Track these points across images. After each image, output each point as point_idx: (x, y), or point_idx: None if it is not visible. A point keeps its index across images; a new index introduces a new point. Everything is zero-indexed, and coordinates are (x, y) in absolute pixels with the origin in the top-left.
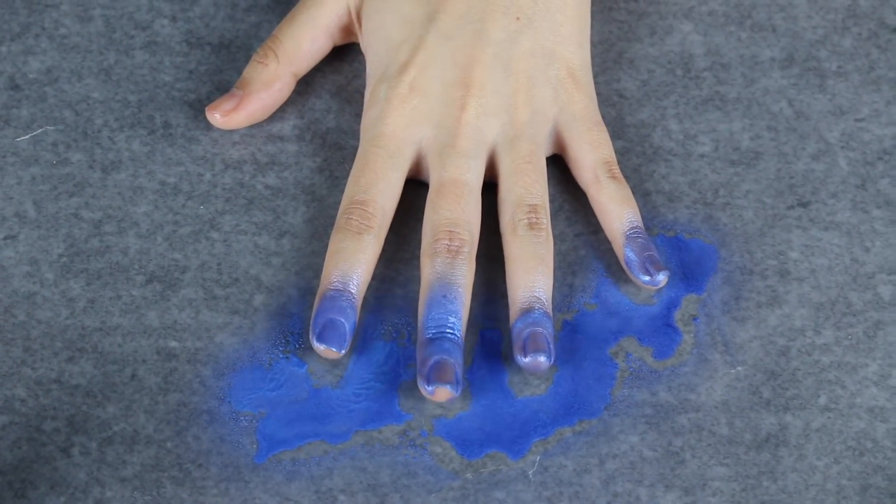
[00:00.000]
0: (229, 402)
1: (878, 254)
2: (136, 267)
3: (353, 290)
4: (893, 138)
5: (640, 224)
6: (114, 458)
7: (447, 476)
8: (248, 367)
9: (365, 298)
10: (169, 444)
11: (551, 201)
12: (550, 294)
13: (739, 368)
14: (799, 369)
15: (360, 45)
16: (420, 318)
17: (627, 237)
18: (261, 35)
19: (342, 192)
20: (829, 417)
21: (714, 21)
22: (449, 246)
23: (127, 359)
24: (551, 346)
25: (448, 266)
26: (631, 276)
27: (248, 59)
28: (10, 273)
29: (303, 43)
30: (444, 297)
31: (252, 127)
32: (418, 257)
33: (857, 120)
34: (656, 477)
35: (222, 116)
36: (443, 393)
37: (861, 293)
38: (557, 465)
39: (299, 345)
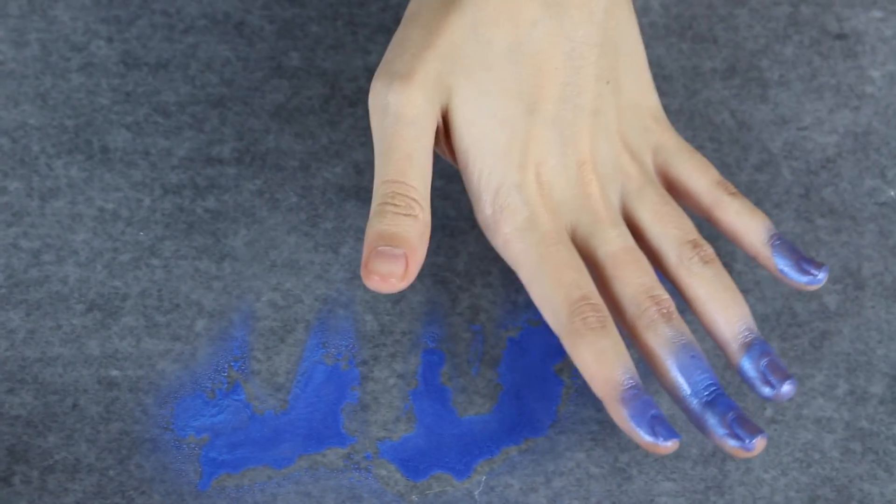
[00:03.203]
0: (172, 429)
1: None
2: (76, 296)
3: (640, 381)
4: (837, 146)
5: (776, 230)
6: (55, 486)
7: (392, 499)
8: (190, 394)
9: (307, 320)
10: (111, 473)
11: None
12: (754, 321)
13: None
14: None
15: (448, 154)
16: (677, 389)
17: (773, 246)
18: (198, 55)
19: (283, 213)
20: (775, 430)
21: (655, 33)
22: (660, 311)
23: (68, 389)
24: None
25: (672, 329)
26: (790, 282)
27: (186, 79)
28: None
29: (427, 175)
30: (693, 357)
31: (191, 150)
32: (360, 277)
33: (799, 129)
34: (603, 494)
35: (397, 281)
36: (762, 443)
37: (806, 303)
38: (503, 484)
39: (242, 369)
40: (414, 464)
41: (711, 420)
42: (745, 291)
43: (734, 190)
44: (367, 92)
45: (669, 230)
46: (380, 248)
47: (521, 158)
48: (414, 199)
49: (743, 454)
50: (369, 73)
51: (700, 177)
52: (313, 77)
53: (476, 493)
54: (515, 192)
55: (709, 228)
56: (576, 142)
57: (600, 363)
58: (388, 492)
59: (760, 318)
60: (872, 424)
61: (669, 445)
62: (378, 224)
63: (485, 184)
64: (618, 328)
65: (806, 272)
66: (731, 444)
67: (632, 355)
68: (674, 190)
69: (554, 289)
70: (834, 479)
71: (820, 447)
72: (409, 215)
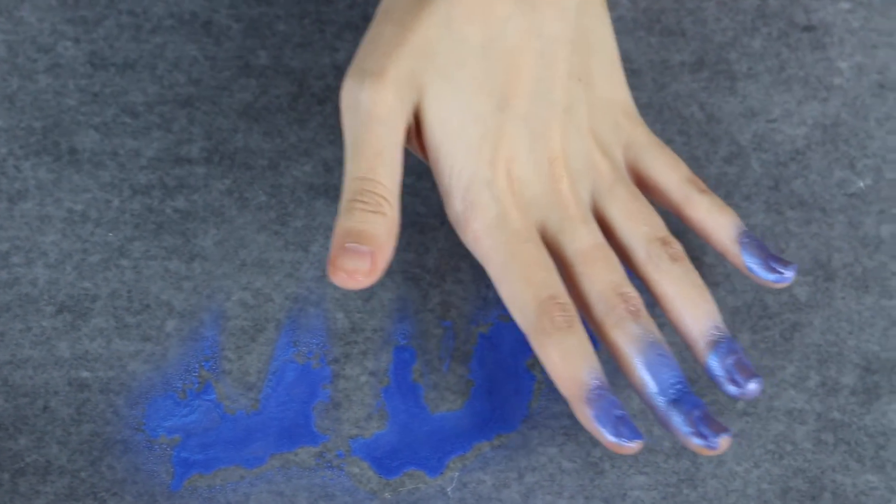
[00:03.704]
0: (143, 430)
1: (792, 255)
2: (46, 298)
3: (605, 382)
4: (805, 138)
5: (745, 227)
6: (27, 488)
7: (365, 496)
8: (161, 395)
9: (277, 319)
10: (83, 474)
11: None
12: (721, 318)
13: None
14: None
15: (419, 150)
16: (644, 386)
17: (742, 244)
18: (166, 55)
19: (252, 212)
20: (747, 422)
21: (623, 27)
22: (628, 308)
23: (38, 391)
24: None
25: (640, 327)
26: (757, 279)
27: (153, 79)
28: None
29: (397, 172)
30: (660, 355)
31: (160, 150)
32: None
33: (768, 121)
34: (576, 489)
35: (364, 277)
36: (727, 442)
37: (777, 295)
38: (476, 480)
39: (213, 369)
40: (386, 461)
41: (677, 418)
42: (714, 284)
43: (704, 187)
44: (335, 90)
45: (639, 227)
46: (347, 245)
47: (491, 154)
48: (383, 197)
49: (707, 452)
50: (337, 70)
51: (670, 173)
52: (281, 75)
53: (449, 489)
54: (486, 188)
55: (678, 223)
56: (547, 138)
57: (566, 363)
58: (361, 489)
59: (731, 311)
60: (844, 415)
61: (633, 446)
62: (346, 221)
63: (455, 180)
64: (585, 325)
65: (774, 270)
66: (695, 442)
67: (599, 352)
68: (644, 186)
69: (522, 287)
70: (806, 470)
71: (792, 439)
72: (378, 212)
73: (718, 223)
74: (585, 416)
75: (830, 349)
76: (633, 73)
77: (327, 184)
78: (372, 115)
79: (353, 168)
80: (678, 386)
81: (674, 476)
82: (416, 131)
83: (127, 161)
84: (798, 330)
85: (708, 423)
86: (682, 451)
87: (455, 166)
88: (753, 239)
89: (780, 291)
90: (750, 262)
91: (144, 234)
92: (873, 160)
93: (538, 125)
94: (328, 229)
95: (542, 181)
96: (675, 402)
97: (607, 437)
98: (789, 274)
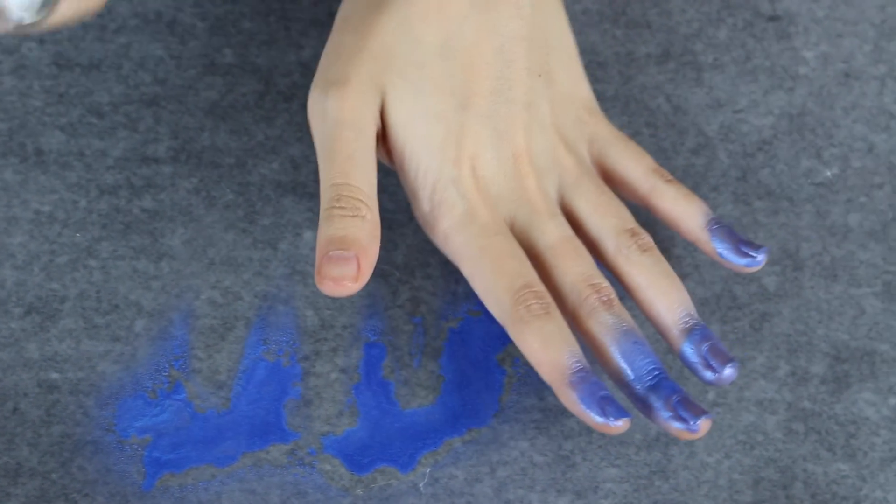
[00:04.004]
0: (114, 430)
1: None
2: (14, 299)
3: (587, 364)
4: (772, 128)
5: (713, 214)
6: None
7: (337, 493)
8: (131, 395)
9: (247, 317)
10: (54, 476)
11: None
12: (693, 306)
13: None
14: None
15: (384, 155)
16: (621, 375)
17: (711, 230)
18: (131, 55)
19: (220, 211)
20: (718, 412)
21: (588, 20)
22: (600, 299)
23: (8, 393)
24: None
25: (614, 316)
26: (729, 265)
27: (119, 79)
28: None
29: (372, 175)
30: (635, 343)
31: (126, 150)
32: (299, 272)
33: (735, 112)
34: (548, 482)
35: (351, 283)
36: (707, 424)
37: (746, 286)
38: (448, 475)
39: (183, 368)
40: (358, 458)
41: (656, 403)
42: (684, 276)
43: (670, 177)
44: (301, 87)
45: (607, 220)
46: (331, 253)
47: (456, 153)
48: (360, 200)
49: (688, 436)
50: (303, 67)
51: (636, 165)
52: (247, 73)
53: (421, 485)
54: (452, 186)
55: (647, 215)
56: (510, 135)
57: (546, 348)
58: (333, 486)
59: (700, 302)
60: (814, 404)
61: (621, 424)
62: (327, 229)
63: (421, 180)
64: None
65: (745, 254)
66: (675, 426)
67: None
68: (610, 180)
69: (496, 279)
70: (777, 460)
71: (763, 429)
72: (357, 216)
73: (686, 211)
74: (570, 399)
75: (800, 339)
76: (599, 66)
77: (295, 181)
78: (339, 122)
79: (328, 175)
80: (655, 372)
81: (645, 468)
82: (381, 135)
83: (93, 161)
84: (767, 320)
85: (687, 406)
86: (653, 443)
87: (420, 167)
88: (722, 225)
89: (749, 282)
90: (720, 248)
91: (112, 234)
92: (840, 149)
93: (501, 122)
94: (297, 227)
95: (508, 178)
96: (653, 387)
97: (594, 418)
98: (761, 257)
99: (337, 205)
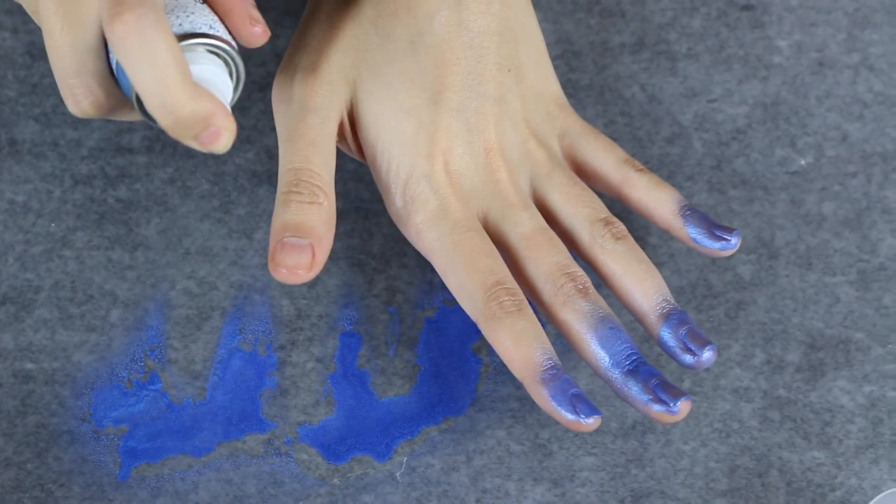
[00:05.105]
0: (90, 420)
1: None
2: None
3: (558, 361)
4: (746, 117)
5: (686, 200)
6: None
7: (314, 483)
8: (107, 385)
9: (222, 307)
10: (29, 466)
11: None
12: (670, 292)
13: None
14: (662, 354)
15: (355, 150)
16: (599, 361)
17: (684, 216)
18: None
19: (195, 201)
20: (693, 401)
21: (563, 9)
22: (576, 287)
23: None
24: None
25: (589, 304)
26: (704, 249)
27: None
28: None
29: (331, 163)
30: (611, 328)
31: (101, 140)
32: None
33: (709, 101)
34: (525, 471)
35: (305, 272)
36: (687, 406)
37: (721, 274)
38: (425, 464)
39: (159, 358)
40: (334, 447)
41: (635, 388)
42: (659, 264)
43: (641, 166)
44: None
45: (580, 210)
46: (285, 240)
47: (428, 148)
48: (318, 186)
49: (668, 418)
50: (278, 57)
51: (606, 156)
52: None
53: (398, 474)
54: (424, 181)
55: (622, 207)
56: (481, 129)
57: (518, 346)
58: (310, 476)
59: (676, 291)
60: (790, 392)
61: (591, 422)
62: (283, 214)
63: (393, 176)
64: (534, 309)
65: (719, 238)
66: (655, 408)
67: (548, 332)
68: (582, 172)
69: (469, 275)
70: (753, 448)
71: (738, 417)
72: (314, 203)
73: (659, 199)
74: (542, 396)
75: (775, 327)
76: (574, 55)
77: (270, 171)
78: (304, 106)
79: (288, 158)
80: (633, 357)
81: (622, 456)
82: (352, 132)
83: (68, 151)
84: (743, 308)
85: (666, 388)
86: (629, 431)
87: (392, 162)
88: (695, 210)
89: (724, 270)
90: (694, 233)
91: (87, 224)
92: (814, 138)
93: (472, 117)
94: (272, 216)
95: (480, 172)
96: (632, 372)
97: (565, 415)
98: (735, 240)
99: (295, 189)
